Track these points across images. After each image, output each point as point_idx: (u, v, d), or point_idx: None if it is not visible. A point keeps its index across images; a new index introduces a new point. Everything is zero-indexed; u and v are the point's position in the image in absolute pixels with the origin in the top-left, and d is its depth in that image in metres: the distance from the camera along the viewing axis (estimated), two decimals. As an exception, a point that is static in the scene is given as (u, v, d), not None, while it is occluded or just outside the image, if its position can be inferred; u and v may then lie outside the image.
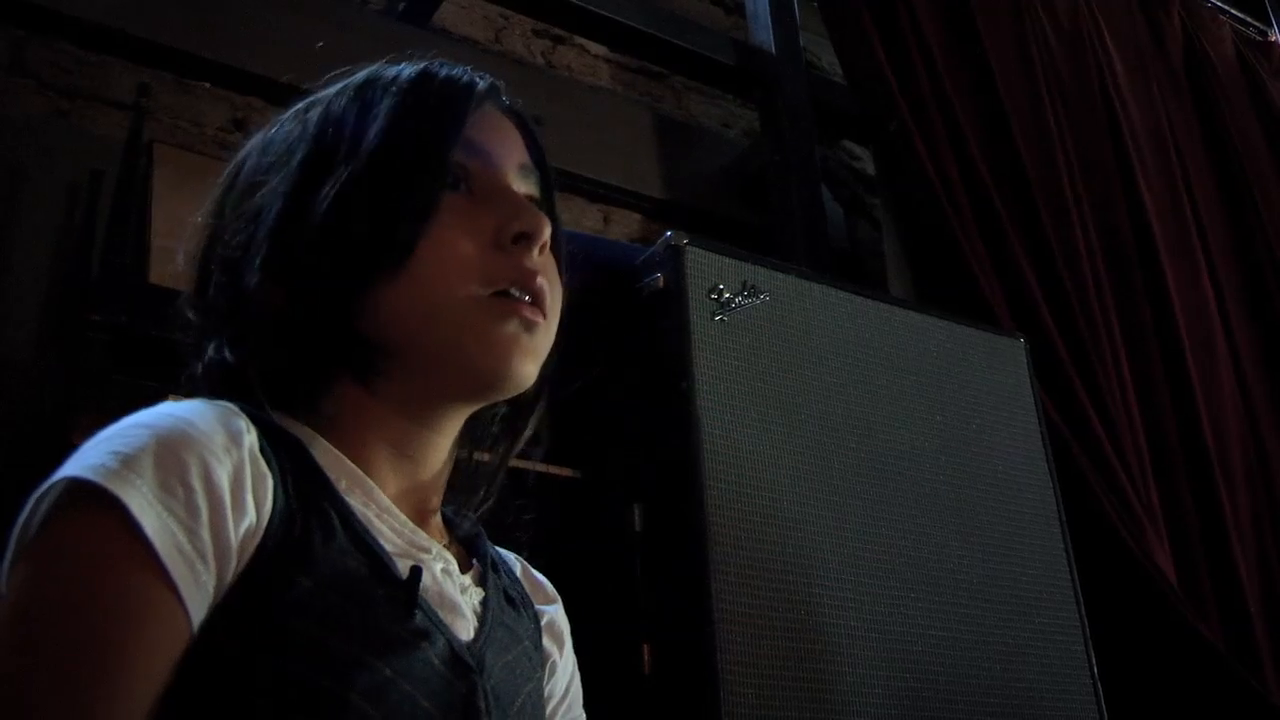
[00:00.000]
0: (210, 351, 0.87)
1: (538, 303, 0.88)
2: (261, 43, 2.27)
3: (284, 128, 0.92)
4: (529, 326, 0.87)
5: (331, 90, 0.93)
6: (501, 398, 0.91)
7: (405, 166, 0.85)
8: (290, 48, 2.26)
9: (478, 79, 0.93)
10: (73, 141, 2.09)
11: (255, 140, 0.95)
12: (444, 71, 0.92)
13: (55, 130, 2.11)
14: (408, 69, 0.92)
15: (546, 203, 0.95)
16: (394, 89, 0.90)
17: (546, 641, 1.01)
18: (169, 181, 2.00)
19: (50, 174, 2.01)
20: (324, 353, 0.85)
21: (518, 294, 0.86)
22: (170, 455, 0.71)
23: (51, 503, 0.70)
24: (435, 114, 0.88)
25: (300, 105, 0.93)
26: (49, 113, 2.14)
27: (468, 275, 0.85)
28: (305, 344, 0.85)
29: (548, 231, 0.89)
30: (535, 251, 0.88)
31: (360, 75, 0.93)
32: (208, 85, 2.31)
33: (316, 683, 0.70)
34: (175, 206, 1.93)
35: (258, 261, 0.85)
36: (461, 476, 0.98)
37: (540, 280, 0.88)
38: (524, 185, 0.93)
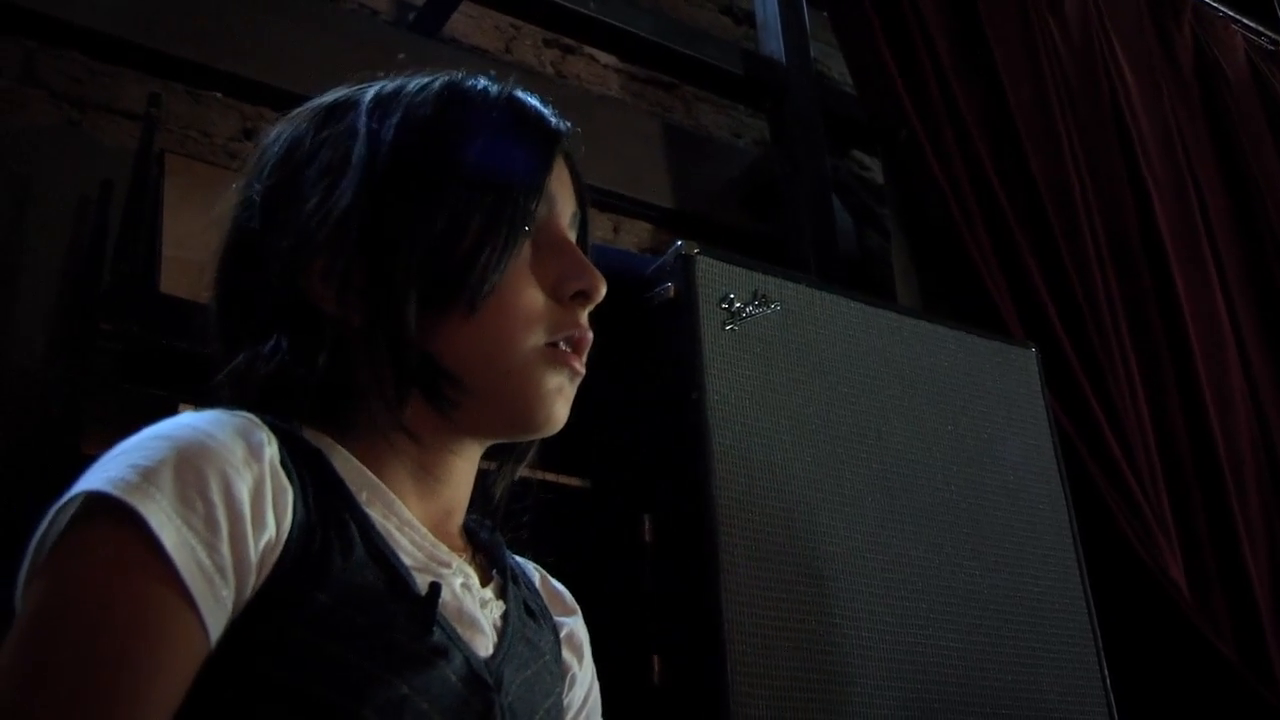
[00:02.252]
0: (267, 352, 0.85)
1: (581, 356, 0.91)
2: (272, 53, 2.27)
3: (353, 122, 0.89)
4: (573, 378, 0.90)
5: (405, 90, 0.91)
6: (533, 438, 0.94)
7: (496, 211, 0.86)
8: (301, 58, 2.27)
9: (559, 123, 0.94)
10: (83, 151, 2.10)
11: (304, 123, 0.92)
12: (530, 107, 0.93)
13: (66, 140, 2.11)
14: (494, 91, 0.92)
15: (583, 242, 0.97)
16: (482, 118, 0.89)
17: (566, 653, 1.01)
18: (180, 191, 2.00)
19: (61, 184, 2.02)
20: (399, 375, 0.85)
21: (566, 347, 0.89)
22: (190, 469, 0.70)
23: (70, 517, 0.70)
24: (525, 160, 0.89)
25: (368, 101, 0.91)
26: (60, 123, 2.14)
27: (533, 324, 0.87)
28: (381, 364, 0.84)
29: (603, 292, 0.91)
30: (588, 309, 0.91)
31: (438, 84, 0.91)
32: (218, 95, 2.31)
33: (331, 699, 0.70)
34: (186, 216, 1.93)
35: (338, 275, 0.84)
36: (477, 490, 0.98)
37: (589, 337, 0.91)
38: (572, 233, 0.95)
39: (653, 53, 2.83)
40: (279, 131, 0.93)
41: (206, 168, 2.14)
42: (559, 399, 0.89)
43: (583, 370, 0.91)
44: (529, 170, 0.89)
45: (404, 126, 0.88)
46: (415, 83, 0.92)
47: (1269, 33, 4.17)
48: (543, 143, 0.91)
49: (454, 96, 0.90)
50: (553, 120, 0.93)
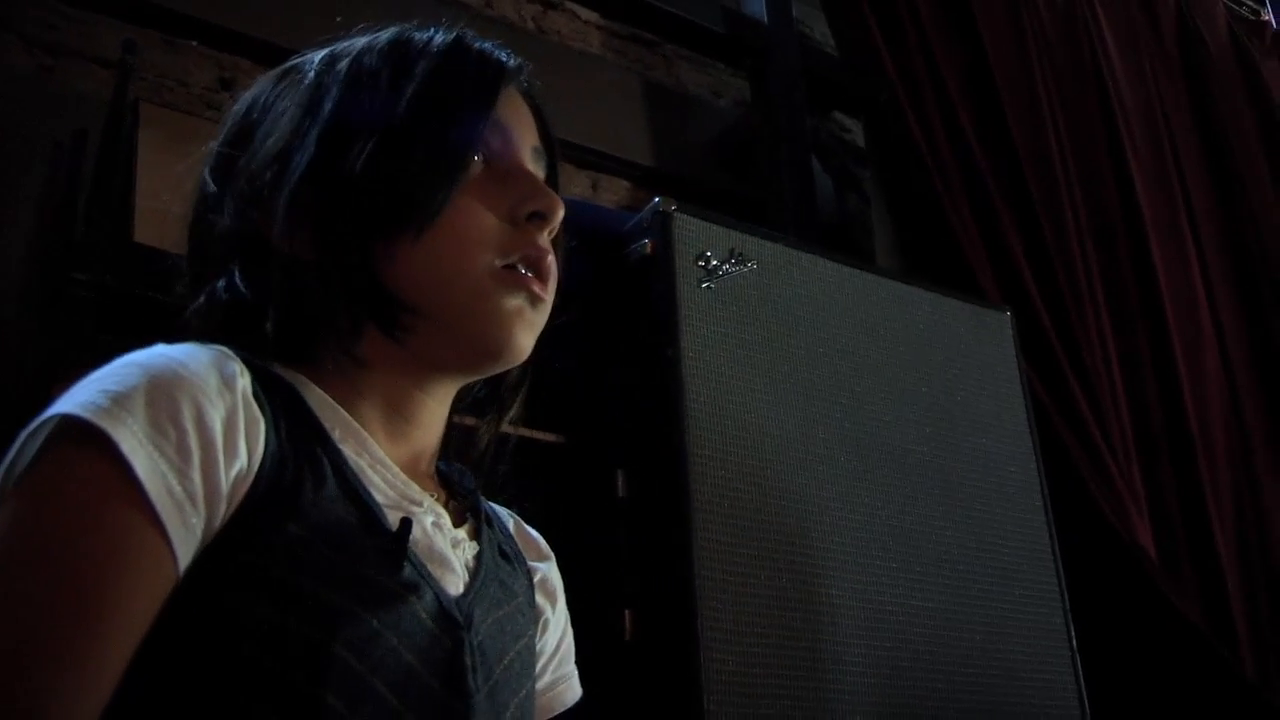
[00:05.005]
0: (222, 287, 0.87)
1: (543, 280, 0.90)
2: (249, 2, 2.24)
3: (306, 75, 0.92)
4: (534, 301, 0.90)
5: (357, 45, 0.93)
6: (498, 369, 0.93)
7: (439, 134, 0.87)
8: (278, 8, 2.24)
9: (508, 58, 0.95)
10: (56, 99, 2.07)
11: (266, 83, 0.95)
12: (477, 45, 0.94)
13: (38, 87, 2.08)
14: (440, 35, 0.93)
15: (551, 187, 0.97)
16: (429, 54, 0.91)
17: (539, 598, 1.02)
18: (154, 141, 1.97)
19: (33, 132, 1.99)
20: (350, 303, 0.86)
21: (525, 270, 0.89)
22: (163, 395, 0.70)
23: (41, 440, 0.69)
24: (470, 87, 0.90)
25: (322, 55, 0.93)
26: (32, 69, 2.11)
27: (485, 245, 0.87)
28: (332, 293, 0.85)
29: (561, 214, 0.92)
30: (546, 232, 0.91)
31: (387, 34, 0.94)
32: (195, 44, 2.28)
33: (301, 631, 0.70)
34: (161, 166, 1.91)
35: (283, 206, 0.85)
36: (454, 442, 0.99)
37: (550, 259, 0.91)
38: (535, 167, 0.95)
39: (634, 9, 2.81)
40: (244, 94, 0.96)
41: (182, 117, 2.12)
42: (518, 322, 0.88)
43: (545, 295, 0.91)
44: (473, 96, 0.90)
45: (350, 71, 0.90)
46: (366, 37, 0.95)
47: (1250, 2, 4.17)
48: (487, 73, 0.92)
49: (400, 43, 0.92)
50: (499, 54, 0.94)
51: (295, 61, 0.96)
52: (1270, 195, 3.55)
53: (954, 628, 1.82)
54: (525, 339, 0.90)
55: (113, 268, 1.71)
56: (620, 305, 1.79)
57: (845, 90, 2.95)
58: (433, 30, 0.94)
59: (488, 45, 0.95)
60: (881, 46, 2.69)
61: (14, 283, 1.90)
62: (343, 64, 0.91)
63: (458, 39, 0.93)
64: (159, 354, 0.75)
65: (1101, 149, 3.08)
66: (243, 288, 0.85)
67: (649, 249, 1.76)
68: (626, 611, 1.63)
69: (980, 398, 2.07)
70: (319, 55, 0.94)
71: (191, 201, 0.93)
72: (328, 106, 0.88)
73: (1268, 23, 4.18)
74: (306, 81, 0.91)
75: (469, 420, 1.00)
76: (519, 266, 0.89)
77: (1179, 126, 3.45)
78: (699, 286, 1.75)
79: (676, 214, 1.77)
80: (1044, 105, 2.93)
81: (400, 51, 0.91)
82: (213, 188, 0.91)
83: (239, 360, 0.78)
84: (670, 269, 1.73)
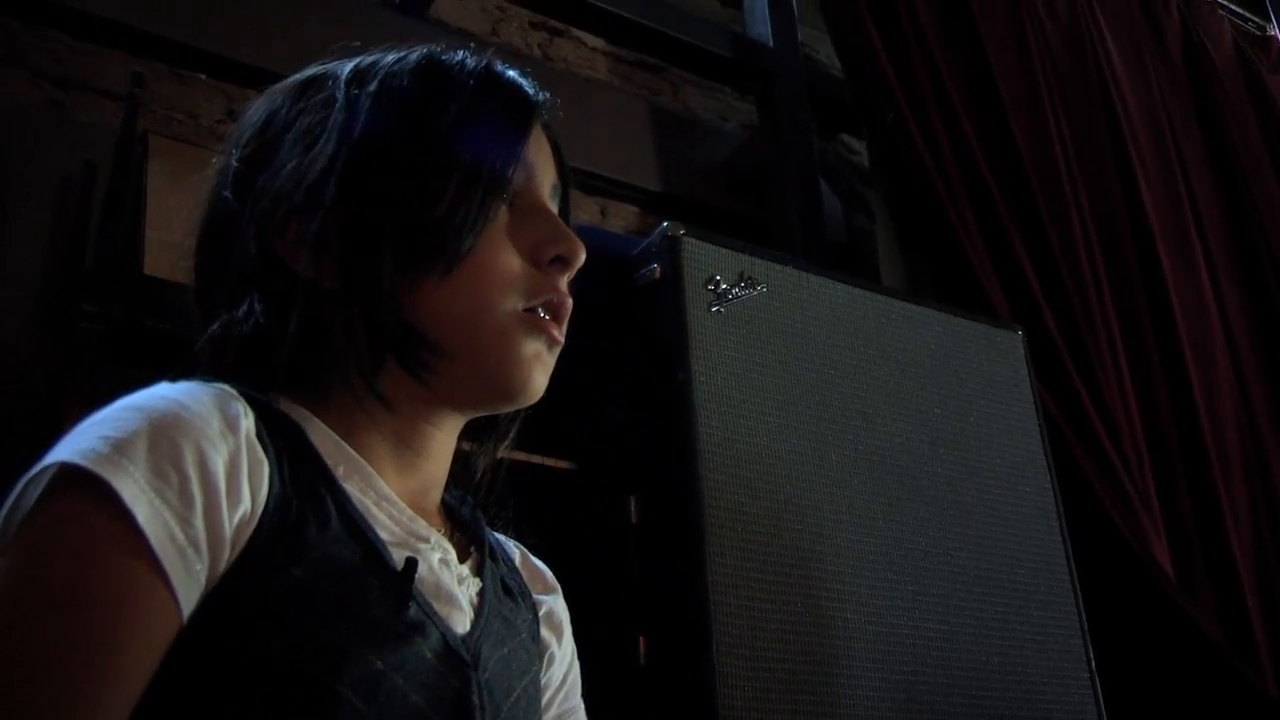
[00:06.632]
0: (242, 315, 0.84)
1: (560, 324, 0.90)
2: (257, 34, 2.25)
3: (332, 93, 0.89)
4: (551, 345, 0.90)
5: (383, 63, 0.91)
6: (512, 408, 0.93)
7: (474, 175, 0.86)
8: (287, 39, 2.25)
9: (535, 92, 0.94)
10: (66, 132, 2.08)
11: (283, 96, 0.92)
12: (507, 76, 0.93)
13: (48, 121, 2.10)
14: (470, 62, 0.92)
15: (563, 218, 0.96)
16: (462, 84, 0.89)
17: (544, 632, 1.01)
18: (163, 173, 1.99)
19: (44, 165, 2.00)
20: (374, 337, 0.85)
21: (544, 314, 0.89)
22: (164, 440, 0.69)
23: (41, 488, 0.68)
24: (504, 126, 0.90)
25: (346, 72, 0.91)
26: (42, 103, 2.13)
27: (509, 288, 0.87)
28: (356, 325, 0.84)
29: (582, 259, 0.91)
30: (567, 276, 0.90)
31: (415, 55, 0.92)
32: (203, 76, 2.30)
33: (306, 673, 0.69)
34: (170, 198, 1.92)
35: (312, 236, 0.84)
36: (459, 468, 0.98)
37: (569, 304, 0.90)
38: (553, 204, 0.95)
39: (640, 35, 2.82)
40: (257, 105, 0.94)
41: (191, 149, 2.13)
42: (536, 365, 0.88)
43: (561, 339, 0.91)
44: (506, 136, 0.89)
45: (381, 95, 0.88)
46: (393, 55, 0.92)
47: (1255, 18, 4.17)
48: (520, 111, 0.92)
49: (431, 67, 0.91)
50: (530, 90, 0.94)
51: (315, 73, 0.93)
52: (1279, 207, 3.54)
53: (970, 650, 1.81)
54: (541, 381, 0.90)
55: (122, 299, 1.71)
56: (630, 330, 1.79)
57: (851, 111, 2.95)
58: (462, 55, 0.92)
59: (516, 75, 0.94)
60: (887, 67, 2.69)
61: (25, 313, 1.91)
62: (372, 85, 0.89)
63: (489, 68, 0.92)
64: (160, 396, 0.74)
65: (1109, 163, 3.07)
66: (263, 317, 0.84)
67: (658, 274, 1.76)
68: (640, 637, 1.62)
69: (993, 417, 2.06)
70: (344, 71, 0.91)
71: (199, 215, 0.92)
72: (358, 133, 0.86)
73: (1273, 38, 4.18)
74: (333, 100, 0.89)
75: (465, 445, 0.99)
76: (539, 310, 0.88)
77: (1186, 141, 3.44)
78: (709, 310, 1.74)
79: (685, 238, 1.77)
80: (1050, 120, 2.93)
81: (431, 76, 0.90)
82: (232, 204, 0.88)
83: (242, 400, 0.77)
84: (680, 293, 1.73)
